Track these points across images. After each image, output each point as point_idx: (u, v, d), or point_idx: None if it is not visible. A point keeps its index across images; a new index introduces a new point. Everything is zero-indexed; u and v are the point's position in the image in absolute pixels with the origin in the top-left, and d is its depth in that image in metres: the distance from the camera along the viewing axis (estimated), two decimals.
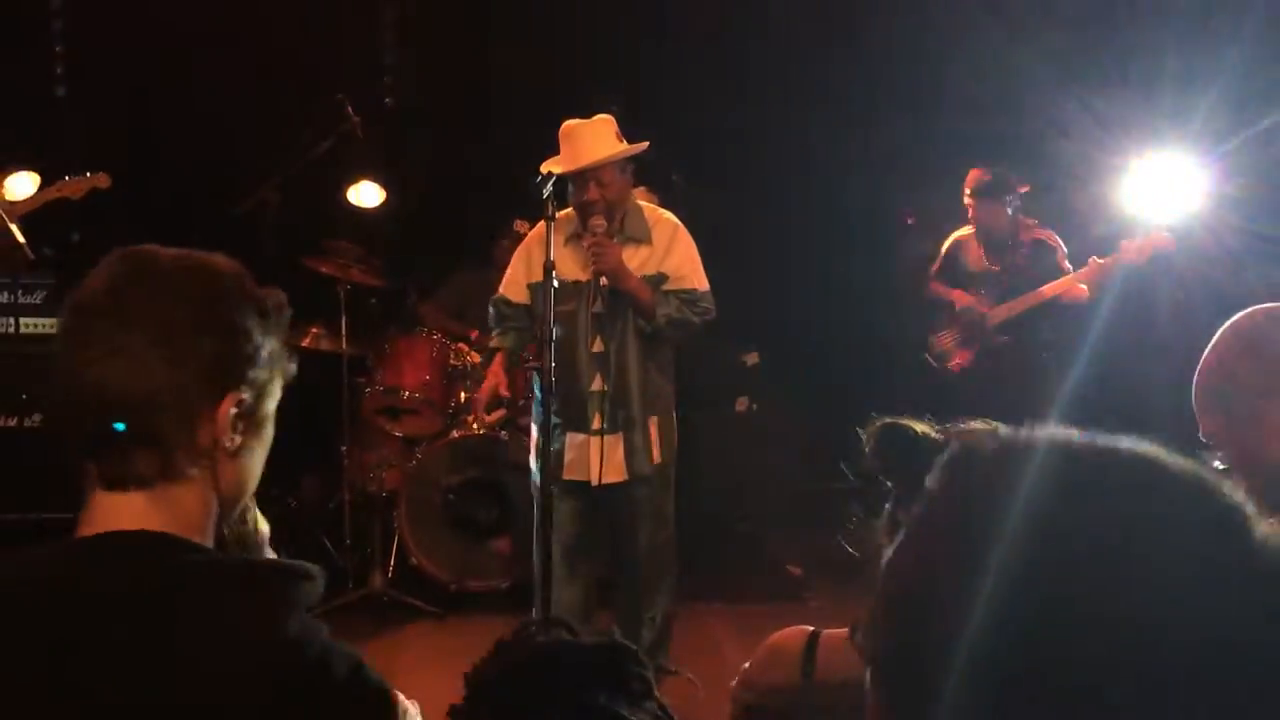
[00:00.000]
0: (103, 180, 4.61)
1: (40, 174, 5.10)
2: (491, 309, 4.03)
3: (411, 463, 4.84)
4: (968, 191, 5.22)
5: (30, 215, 4.54)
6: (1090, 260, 4.94)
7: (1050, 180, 5.66)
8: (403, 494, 4.77)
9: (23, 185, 5.05)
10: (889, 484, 1.57)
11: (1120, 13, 6.45)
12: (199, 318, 1.10)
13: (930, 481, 0.74)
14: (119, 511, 1.11)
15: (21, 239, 4.39)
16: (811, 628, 1.54)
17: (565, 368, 3.72)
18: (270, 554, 1.42)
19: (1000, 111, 6.51)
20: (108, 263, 1.13)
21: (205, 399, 1.11)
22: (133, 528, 1.10)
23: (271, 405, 1.20)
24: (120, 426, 1.08)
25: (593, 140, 3.74)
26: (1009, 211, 5.22)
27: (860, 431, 1.53)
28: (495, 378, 3.95)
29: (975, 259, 5.30)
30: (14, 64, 5.81)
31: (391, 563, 4.83)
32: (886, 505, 1.60)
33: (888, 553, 0.74)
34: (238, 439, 1.14)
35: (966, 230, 5.37)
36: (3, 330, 4.76)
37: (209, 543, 1.15)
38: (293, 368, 1.24)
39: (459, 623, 4.50)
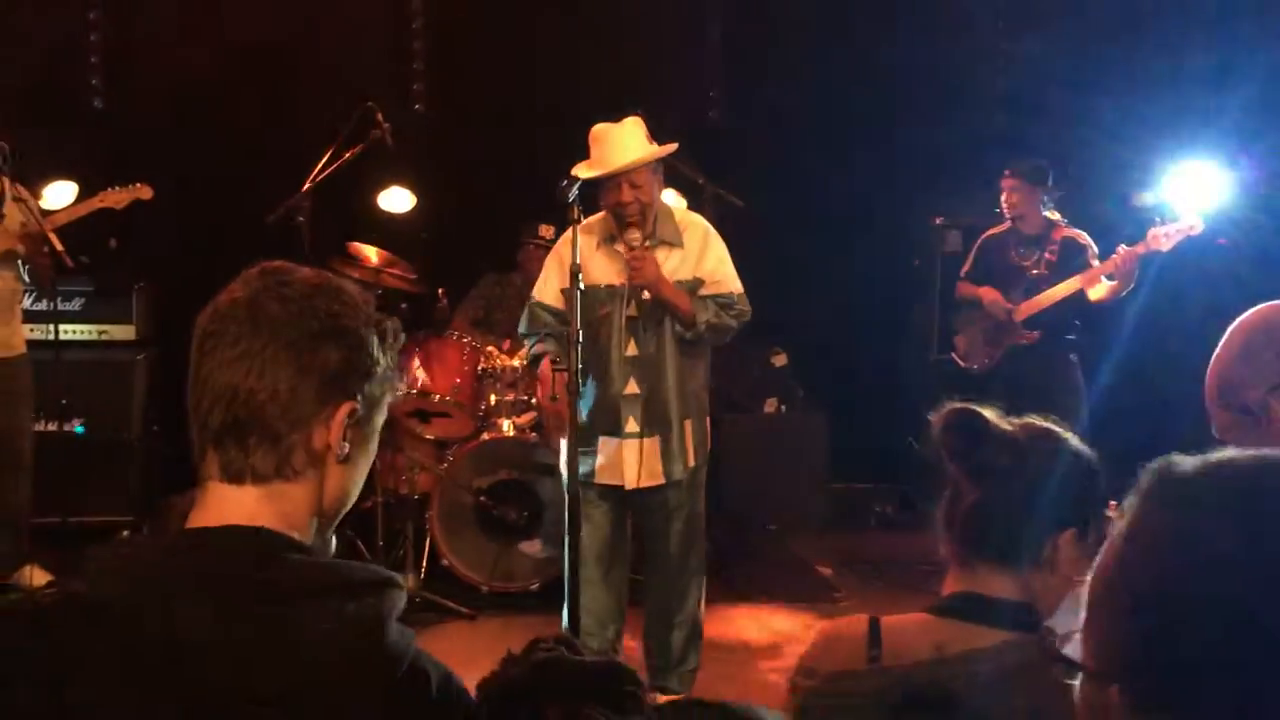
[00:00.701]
0: (145, 192, 4.69)
1: (78, 184, 5.20)
2: (527, 314, 4.04)
3: (443, 465, 4.89)
4: (1007, 173, 5.21)
5: (70, 224, 4.62)
6: (1119, 247, 4.91)
7: (1080, 181, 5.65)
8: (434, 496, 4.82)
9: (61, 195, 5.15)
10: (952, 466, 1.59)
11: (1149, 14, 6.42)
12: (325, 328, 1.19)
13: (1142, 504, 0.80)
14: (233, 503, 1.18)
15: (60, 246, 4.47)
16: (869, 615, 1.57)
17: (598, 372, 3.75)
18: None
19: (1030, 113, 6.50)
20: (247, 275, 1.22)
21: (323, 404, 1.19)
22: (246, 522, 1.17)
23: (380, 420, 1.28)
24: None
25: (624, 142, 3.75)
26: (1043, 207, 5.22)
27: (930, 414, 1.55)
28: (546, 386, 3.96)
29: (1006, 256, 5.29)
30: (53, 76, 5.92)
31: (424, 564, 4.88)
32: (945, 490, 1.63)
33: (1106, 567, 0.80)
34: (347, 447, 1.22)
35: (997, 229, 5.37)
36: (43, 336, 4.85)
37: (310, 543, 1.22)
38: (401, 388, 1.32)
39: (490, 623, 4.54)
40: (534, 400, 4.82)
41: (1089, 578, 0.82)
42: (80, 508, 4.54)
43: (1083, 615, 0.82)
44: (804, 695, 1.55)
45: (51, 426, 4.95)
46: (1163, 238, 4.81)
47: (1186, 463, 0.80)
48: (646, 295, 3.76)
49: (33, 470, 4.63)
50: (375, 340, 1.24)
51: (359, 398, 1.22)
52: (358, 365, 1.21)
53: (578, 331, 3.51)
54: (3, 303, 4.54)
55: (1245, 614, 0.72)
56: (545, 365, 3.98)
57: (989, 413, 1.54)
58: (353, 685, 1.10)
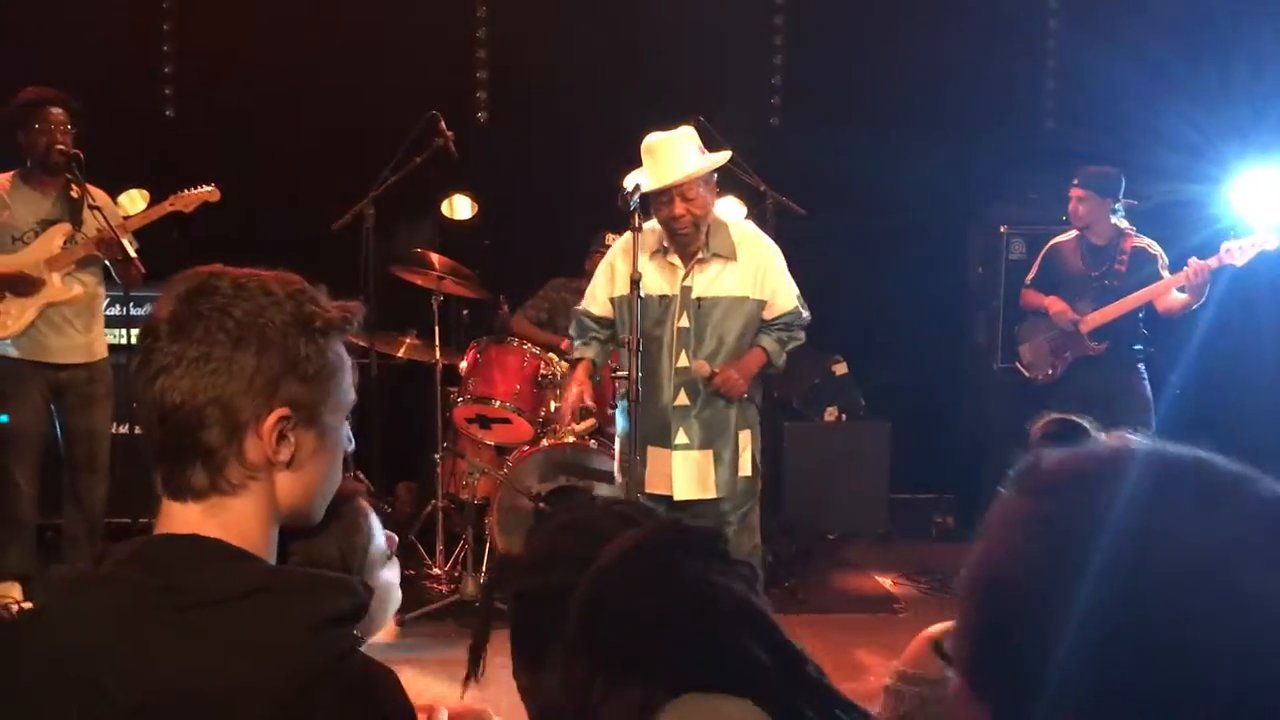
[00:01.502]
0: (213, 194, 4.78)
1: (149, 191, 5.32)
2: (575, 321, 4.10)
3: (502, 470, 4.92)
4: (1076, 182, 5.13)
5: (142, 230, 4.72)
6: (1190, 261, 4.82)
7: (1150, 191, 5.54)
8: (494, 501, 4.85)
9: (133, 202, 5.28)
10: None
11: (1221, 21, 6.29)
12: (241, 334, 1.15)
13: (1025, 485, 0.77)
14: (178, 519, 1.18)
15: (134, 253, 4.59)
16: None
17: (648, 382, 3.76)
18: (388, 571, 1.45)
19: (1096, 120, 6.40)
20: (173, 284, 1.19)
21: (250, 414, 1.16)
22: (184, 532, 1.17)
23: (332, 418, 1.23)
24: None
25: (676, 156, 3.75)
26: (1112, 216, 5.13)
27: (1027, 425, 1.54)
28: (581, 385, 4.01)
29: (1074, 265, 5.20)
30: (126, 86, 6.07)
31: (483, 568, 4.91)
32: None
33: (976, 554, 0.77)
34: (286, 453, 1.18)
35: (1065, 236, 5.29)
36: (116, 341, 4.96)
37: (265, 553, 1.20)
38: (352, 381, 1.27)
39: None
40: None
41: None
42: (150, 509, 4.63)
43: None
44: (895, 699, 1.53)
45: (124, 429, 5.06)
46: (1236, 251, 4.71)
47: (1054, 453, 0.77)
48: (695, 301, 3.84)
49: (109, 474, 4.75)
50: (302, 339, 1.18)
51: (289, 402, 1.17)
52: (282, 368, 1.16)
53: (638, 340, 3.52)
54: (85, 308, 4.66)
55: (1053, 607, 0.68)
56: (582, 369, 4.04)
57: (1085, 422, 1.52)
58: (266, 690, 1.07)
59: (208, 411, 1.14)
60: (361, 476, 5.10)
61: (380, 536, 1.44)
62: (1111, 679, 0.65)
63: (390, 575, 1.46)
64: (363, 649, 1.16)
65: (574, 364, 4.14)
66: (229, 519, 1.17)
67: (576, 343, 4.09)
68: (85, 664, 1.09)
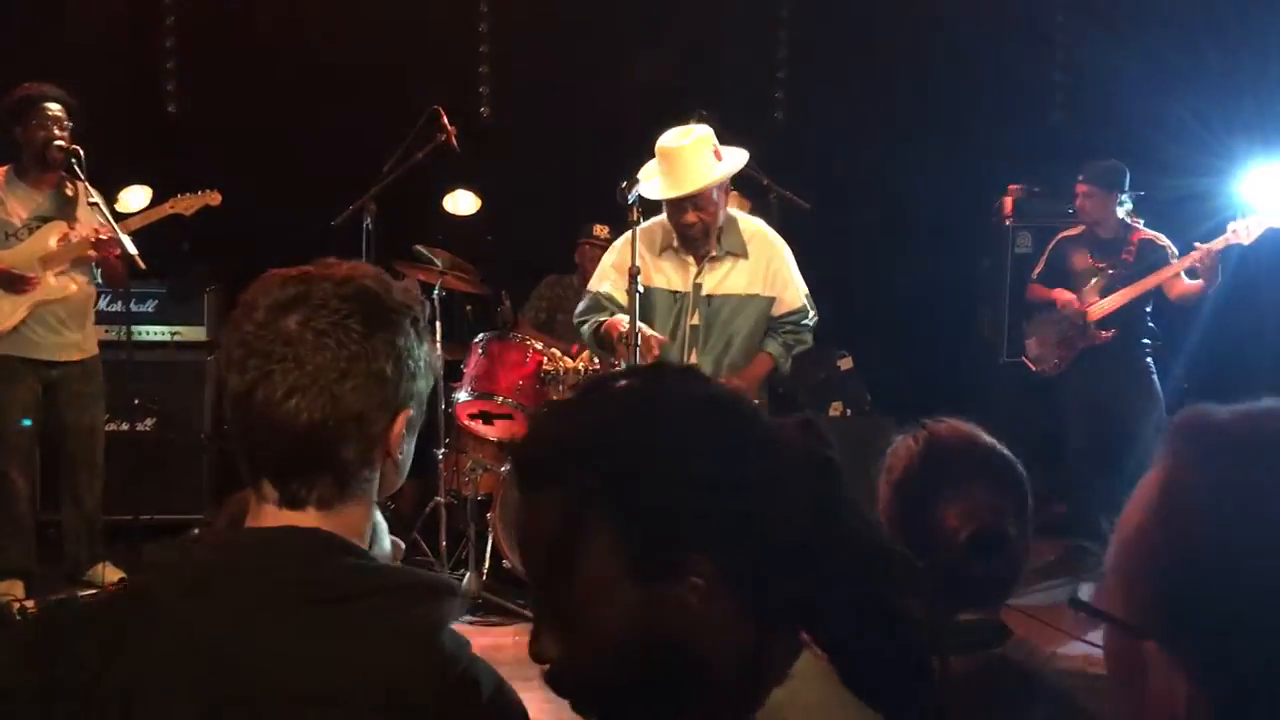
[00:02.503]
0: (214, 198, 4.77)
1: (152, 188, 5.29)
2: (589, 301, 4.02)
3: (505, 466, 4.90)
4: (1081, 178, 5.10)
5: (141, 227, 4.71)
6: (1197, 246, 4.79)
7: (1158, 184, 5.51)
8: (497, 497, 4.82)
9: (135, 199, 5.26)
10: None
11: (1227, 15, 6.25)
12: (370, 345, 1.14)
13: (1177, 455, 0.76)
14: (293, 519, 1.16)
15: (133, 250, 4.56)
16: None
17: (593, 375, 3.73)
18: None
19: (1101, 113, 6.37)
20: (269, 294, 1.15)
21: (383, 422, 1.16)
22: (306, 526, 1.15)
23: (425, 404, 1.24)
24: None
25: (691, 164, 3.71)
26: (1119, 210, 5.11)
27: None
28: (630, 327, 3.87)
29: (1081, 258, 5.18)
30: (128, 83, 6.04)
31: (486, 565, 4.89)
32: None
33: (1138, 518, 0.76)
34: (405, 449, 1.20)
35: (1071, 231, 5.26)
36: (116, 337, 4.94)
37: (365, 542, 1.20)
38: (439, 362, 1.28)
39: None
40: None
41: (1117, 530, 0.78)
42: (151, 506, 4.62)
43: (1109, 564, 0.78)
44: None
45: (124, 426, 5.05)
46: (1243, 230, 4.70)
47: (1221, 411, 0.76)
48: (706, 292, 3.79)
49: (104, 469, 4.73)
50: (414, 335, 1.19)
51: (412, 402, 1.18)
52: (405, 369, 1.17)
53: (636, 335, 3.50)
54: (78, 306, 4.64)
55: None
56: (610, 320, 3.87)
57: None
58: (400, 689, 1.08)
59: (347, 428, 1.13)
60: None
61: (386, 541, 1.43)
62: None
63: None
64: None
65: (595, 332, 3.95)
66: (346, 521, 1.17)
67: (587, 323, 3.98)
68: (210, 652, 1.07)
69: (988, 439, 1.56)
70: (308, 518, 1.15)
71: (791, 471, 0.97)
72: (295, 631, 1.08)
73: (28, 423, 4.51)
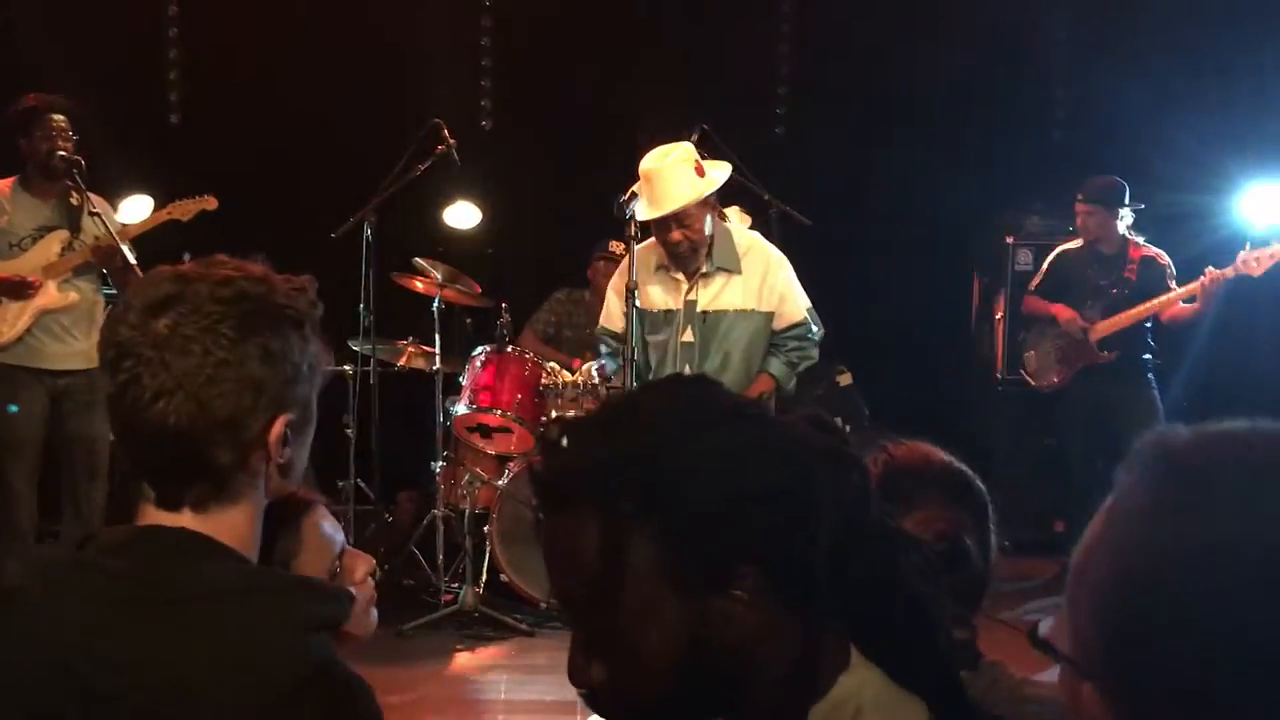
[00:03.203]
0: (210, 203, 4.77)
1: (154, 198, 5.31)
2: (600, 344, 4.14)
3: (502, 480, 4.90)
4: (1081, 198, 5.11)
5: (143, 237, 4.71)
6: (1207, 270, 4.79)
7: (1157, 201, 5.53)
8: (494, 511, 4.82)
9: (137, 208, 5.27)
10: None
11: (1226, 35, 6.27)
12: (242, 349, 1.12)
13: (1126, 481, 0.71)
14: (167, 521, 1.16)
15: (133, 259, 4.57)
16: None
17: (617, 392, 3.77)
18: (362, 595, 1.43)
19: (1105, 133, 6.38)
20: (144, 293, 1.15)
21: (257, 426, 1.14)
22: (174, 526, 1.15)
23: (314, 404, 1.23)
24: None
25: (671, 183, 3.74)
26: (1120, 226, 5.11)
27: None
28: None
29: (1081, 273, 5.18)
30: (132, 94, 6.06)
31: (483, 579, 4.88)
32: None
33: (1085, 548, 0.72)
34: (287, 452, 1.18)
35: (1072, 245, 5.27)
36: None
37: (253, 549, 1.19)
38: (326, 361, 1.25)
39: (549, 640, 4.52)
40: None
41: (1072, 557, 0.73)
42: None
43: (1065, 594, 0.73)
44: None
45: None
46: (1254, 262, 4.69)
47: (1181, 435, 0.70)
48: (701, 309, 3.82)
49: (106, 479, 4.73)
50: (295, 337, 1.17)
51: (291, 406, 1.16)
52: (283, 373, 1.15)
53: (633, 349, 3.52)
54: (83, 315, 4.64)
55: (1232, 614, 0.63)
56: None
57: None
58: (245, 689, 1.06)
59: (217, 432, 1.12)
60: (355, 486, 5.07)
61: (337, 546, 1.41)
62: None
63: (365, 598, 1.42)
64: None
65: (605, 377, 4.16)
66: (223, 523, 1.16)
67: (609, 365, 4.12)
68: (66, 650, 1.07)
69: (945, 456, 1.56)
70: (182, 519, 1.15)
71: (821, 471, 0.97)
72: (133, 633, 1.07)
73: (14, 409, 4.51)
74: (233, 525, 1.16)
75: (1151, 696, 0.66)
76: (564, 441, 0.99)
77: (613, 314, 4.01)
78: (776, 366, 3.92)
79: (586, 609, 0.98)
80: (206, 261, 1.19)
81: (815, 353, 3.99)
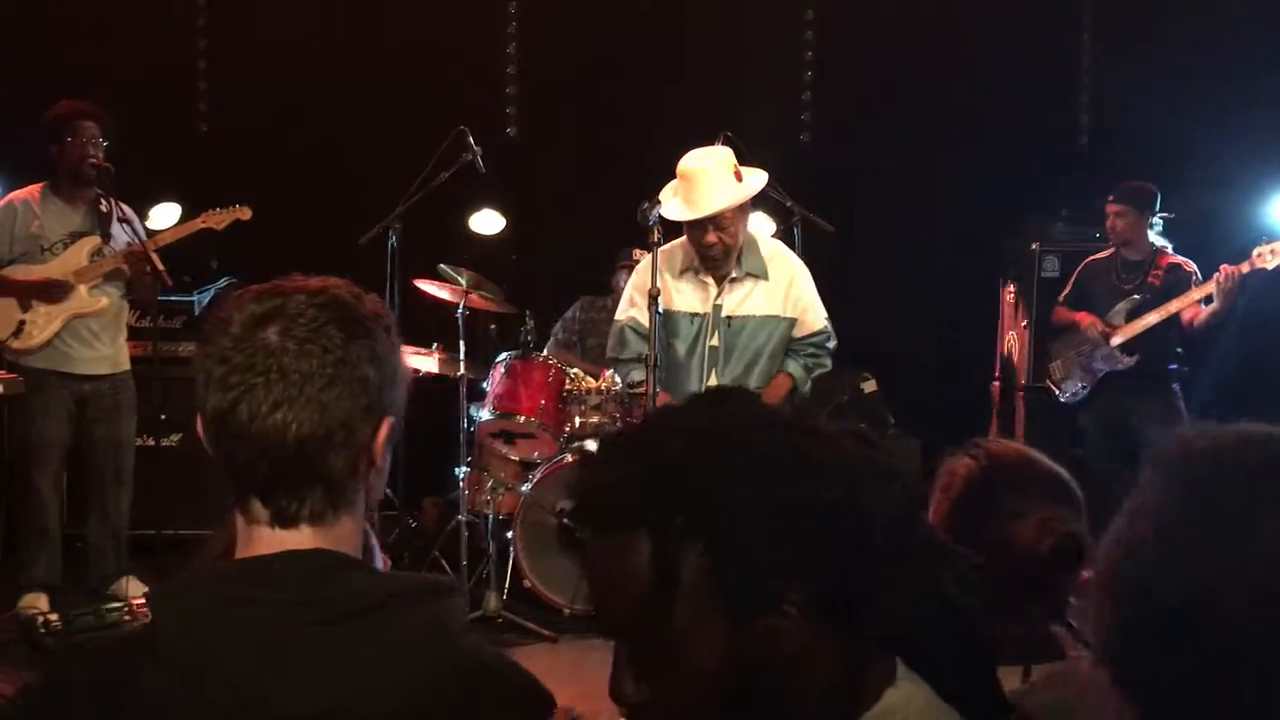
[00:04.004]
0: (244, 213, 4.81)
1: (183, 205, 5.35)
2: (618, 336, 4.06)
3: (526, 486, 4.90)
4: (1112, 199, 5.08)
5: (173, 244, 4.76)
6: (1221, 268, 4.75)
7: (1184, 208, 5.49)
8: (518, 517, 4.83)
9: (165, 216, 5.32)
10: None
11: (1254, 40, 6.22)
12: (352, 353, 1.12)
13: (1148, 483, 0.73)
14: (288, 542, 1.14)
15: (160, 266, 4.61)
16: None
17: (680, 400, 3.74)
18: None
19: (1132, 140, 6.34)
20: (243, 306, 1.14)
21: (368, 430, 1.14)
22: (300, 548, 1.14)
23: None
24: None
25: (711, 186, 3.72)
26: (1150, 232, 5.08)
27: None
28: None
29: (1107, 280, 5.15)
30: (161, 103, 6.12)
31: (506, 585, 4.89)
32: None
33: (1109, 545, 0.73)
34: (388, 457, 1.19)
35: (1100, 255, 5.24)
36: (143, 353, 4.99)
37: (360, 554, 1.19)
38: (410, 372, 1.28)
39: (572, 647, 4.52)
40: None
41: (1099, 551, 0.75)
42: (176, 521, 4.65)
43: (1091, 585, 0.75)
44: None
45: (150, 442, 5.09)
46: (1269, 255, 4.65)
47: (1202, 437, 0.72)
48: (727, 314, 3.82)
49: (132, 483, 4.77)
50: (388, 340, 1.17)
51: (393, 408, 1.17)
52: (387, 375, 1.15)
53: (655, 356, 3.51)
54: (111, 320, 4.69)
55: (1229, 622, 0.65)
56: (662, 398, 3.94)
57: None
58: (429, 691, 1.08)
59: (336, 437, 1.11)
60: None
61: (378, 557, 1.42)
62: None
63: None
64: None
65: (634, 386, 4.05)
66: (340, 535, 1.15)
67: (624, 365, 4.06)
68: (233, 688, 1.05)
69: (1040, 454, 1.57)
70: (302, 536, 1.14)
71: (868, 486, 0.97)
72: (311, 654, 1.07)
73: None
74: (348, 535, 1.16)
75: (1156, 686, 0.67)
76: (609, 459, 0.99)
77: (641, 310, 3.97)
78: (795, 368, 3.93)
79: (634, 627, 0.97)
80: (289, 278, 1.19)
81: (829, 361, 4.04)
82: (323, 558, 1.13)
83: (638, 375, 4.01)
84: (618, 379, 4.88)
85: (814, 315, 3.94)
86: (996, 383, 5.97)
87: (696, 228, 3.75)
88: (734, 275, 3.83)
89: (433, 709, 1.08)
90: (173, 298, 5.20)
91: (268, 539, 1.14)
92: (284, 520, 1.13)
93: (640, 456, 0.98)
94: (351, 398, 1.12)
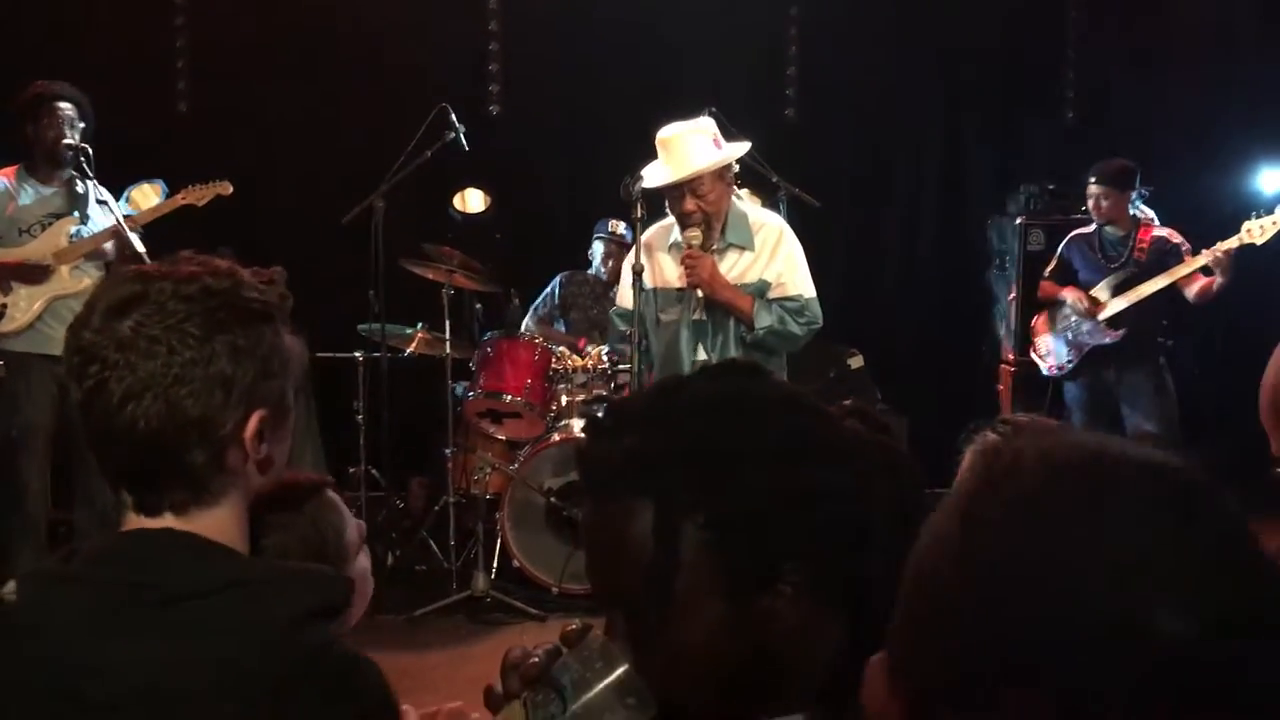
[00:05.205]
0: (225, 188, 4.76)
1: (164, 185, 5.30)
2: (614, 322, 4.09)
3: (514, 466, 4.89)
4: (1093, 180, 5.07)
5: (154, 224, 4.70)
6: (1217, 247, 4.75)
7: (1170, 182, 5.49)
8: (505, 497, 4.82)
9: (146, 196, 5.26)
10: None
11: (1238, 14, 6.22)
12: (209, 347, 1.10)
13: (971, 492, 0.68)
14: (151, 525, 1.15)
15: (142, 248, 4.56)
16: None
17: (668, 374, 3.72)
18: (361, 559, 1.44)
19: (1117, 114, 6.33)
20: (107, 293, 1.13)
21: (230, 424, 1.13)
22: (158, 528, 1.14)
23: (291, 397, 1.21)
24: None
25: (688, 150, 3.67)
26: (1131, 208, 5.08)
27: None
28: None
29: (1092, 256, 5.15)
30: (139, 82, 6.05)
31: (494, 564, 4.88)
32: None
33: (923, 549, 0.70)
34: (264, 449, 1.16)
35: (1084, 230, 5.24)
36: None
37: (242, 544, 1.18)
38: (301, 353, 1.23)
39: (560, 625, 4.52)
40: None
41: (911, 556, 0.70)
42: None
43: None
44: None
45: None
46: (1257, 230, 4.66)
47: (1028, 451, 0.65)
48: (700, 294, 3.71)
49: None
50: (265, 332, 1.15)
51: (264, 403, 1.15)
52: (253, 369, 1.13)
53: (637, 332, 3.49)
54: None
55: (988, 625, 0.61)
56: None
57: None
58: (227, 688, 1.06)
59: (189, 433, 1.10)
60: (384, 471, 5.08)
61: (350, 527, 1.42)
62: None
63: (363, 563, 1.44)
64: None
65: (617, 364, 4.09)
66: (207, 524, 1.14)
67: (620, 348, 4.07)
68: (59, 665, 1.06)
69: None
70: (164, 523, 1.13)
71: (874, 469, 0.95)
72: (138, 636, 1.06)
73: None
74: (217, 526, 1.14)
75: (919, 680, 0.66)
76: (616, 426, 0.97)
77: (627, 295, 3.96)
78: (760, 303, 3.76)
79: (628, 599, 0.96)
80: (171, 259, 1.16)
81: (800, 332, 3.81)
82: (166, 538, 1.12)
83: (625, 348, 4.01)
84: (604, 356, 4.87)
85: (791, 280, 3.80)
86: (1005, 365, 5.96)
87: (676, 196, 3.71)
88: (716, 247, 3.78)
89: (240, 702, 1.06)
90: None
91: (135, 524, 1.15)
92: (147, 510, 1.13)
93: (649, 425, 0.96)
94: (206, 394, 1.10)
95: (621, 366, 3.78)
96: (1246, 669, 0.57)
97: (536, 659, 0.97)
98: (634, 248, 3.63)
